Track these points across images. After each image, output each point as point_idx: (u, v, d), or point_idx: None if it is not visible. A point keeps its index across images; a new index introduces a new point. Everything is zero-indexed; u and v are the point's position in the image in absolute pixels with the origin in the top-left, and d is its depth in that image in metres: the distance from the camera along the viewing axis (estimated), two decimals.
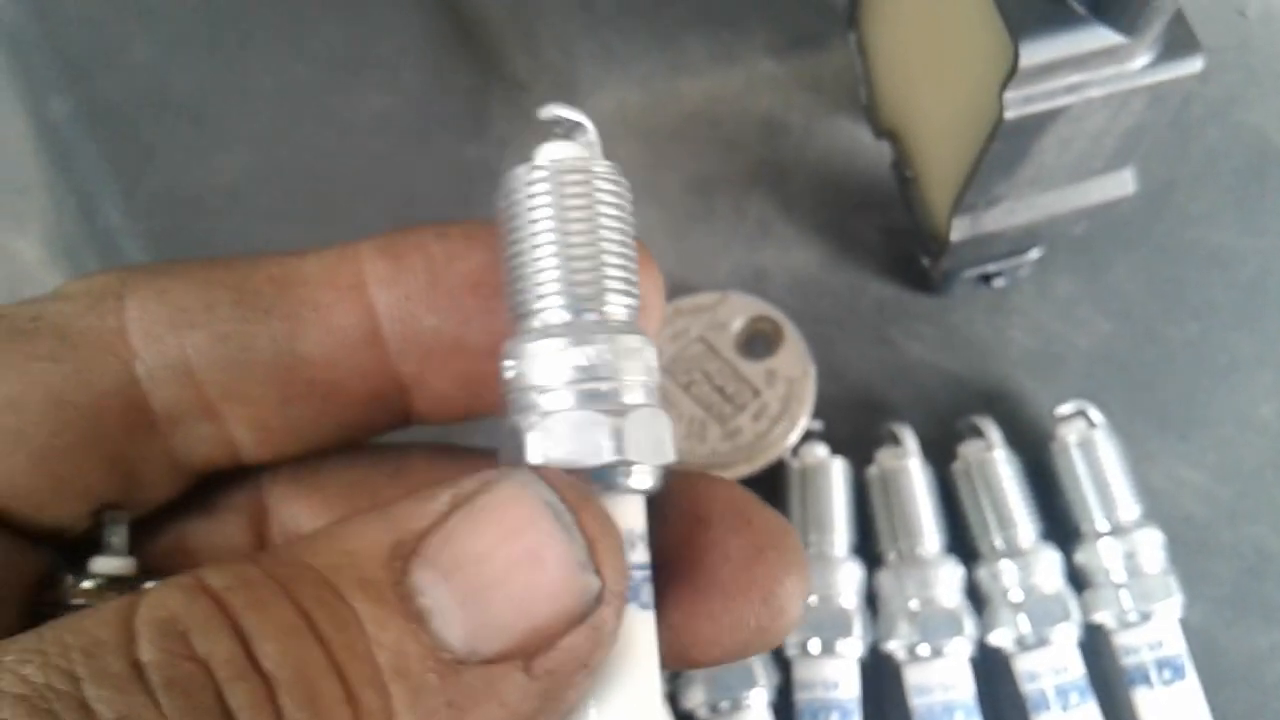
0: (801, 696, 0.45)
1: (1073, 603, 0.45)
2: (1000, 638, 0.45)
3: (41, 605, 0.24)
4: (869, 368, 0.52)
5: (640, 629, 0.23)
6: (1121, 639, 0.45)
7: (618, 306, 0.23)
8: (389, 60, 0.59)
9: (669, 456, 0.24)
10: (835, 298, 0.54)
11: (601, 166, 0.23)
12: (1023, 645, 0.45)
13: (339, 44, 0.59)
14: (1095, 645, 0.45)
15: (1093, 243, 0.53)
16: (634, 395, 0.23)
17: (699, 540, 0.25)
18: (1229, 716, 0.45)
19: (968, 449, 0.48)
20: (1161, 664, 0.44)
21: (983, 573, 0.46)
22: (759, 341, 0.52)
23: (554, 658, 0.20)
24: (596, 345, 0.22)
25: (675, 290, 0.52)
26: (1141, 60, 0.38)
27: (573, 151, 0.24)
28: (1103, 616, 0.45)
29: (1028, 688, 0.44)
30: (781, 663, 0.46)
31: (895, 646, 0.45)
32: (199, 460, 0.26)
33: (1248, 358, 0.52)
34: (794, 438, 0.49)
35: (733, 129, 0.57)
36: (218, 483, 0.27)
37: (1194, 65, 0.38)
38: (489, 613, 0.20)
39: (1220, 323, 0.52)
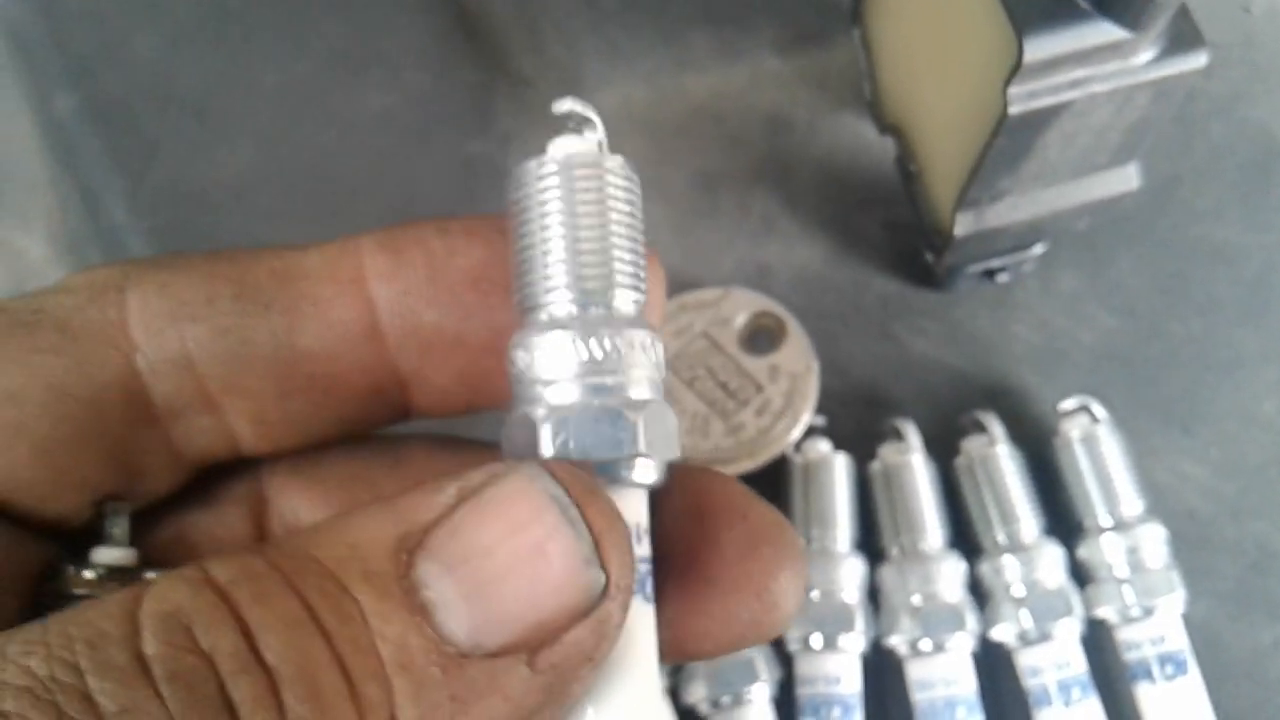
0: (803, 691, 0.45)
1: (1075, 598, 0.45)
2: (1002, 633, 0.45)
3: (44, 596, 0.25)
4: (872, 363, 0.52)
5: (641, 622, 0.23)
6: (1124, 634, 0.45)
7: (626, 301, 0.23)
8: (393, 57, 0.59)
9: (676, 452, 0.24)
10: (839, 293, 0.54)
11: (613, 161, 0.23)
12: (1025, 640, 0.45)
13: (342, 40, 0.59)
14: (1098, 640, 0.45)
15: (1097, 238, 0.53)
16: (642, 390, 0.23)
17: (694, 534, 0.25)
18: (1231, 712, 0.45)
19: (971, 444, 0.48)
20: (1164, 659, 0.44)
21: (985, 568, 0.46)
22: (762, 337, 0.52)
23: (558, 652, 0.20)
24: (605, 339, 0.22)
25: (679, 285, 0.52)
26: (1146, 55, 0.38)
27: (584, 146, 0.24)
28: (1105, 612, 0.45)
29: (1030, 683, 0.44)
30: (783, 657, 0.46)
31: (897, 641, 0.45)
32: (199, 452, 0.26)
33: (1252, 353, 0.52)
34: (797, 433, 0.49)
35: (737, 125, 0.57)
36: (218, 474, 0.28)
37: (1198, 60, 0.38)
38: (493, 606, 0.20)
39: (1224, 318, 0.52)
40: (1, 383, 0.23)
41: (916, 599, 0.45)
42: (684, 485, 0.25)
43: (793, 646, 0.45)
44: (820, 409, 0.50)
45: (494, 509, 0.20)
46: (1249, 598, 0.48)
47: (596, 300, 0.23)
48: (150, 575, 0.25)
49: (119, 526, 0.26)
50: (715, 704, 0.44)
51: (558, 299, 0.23)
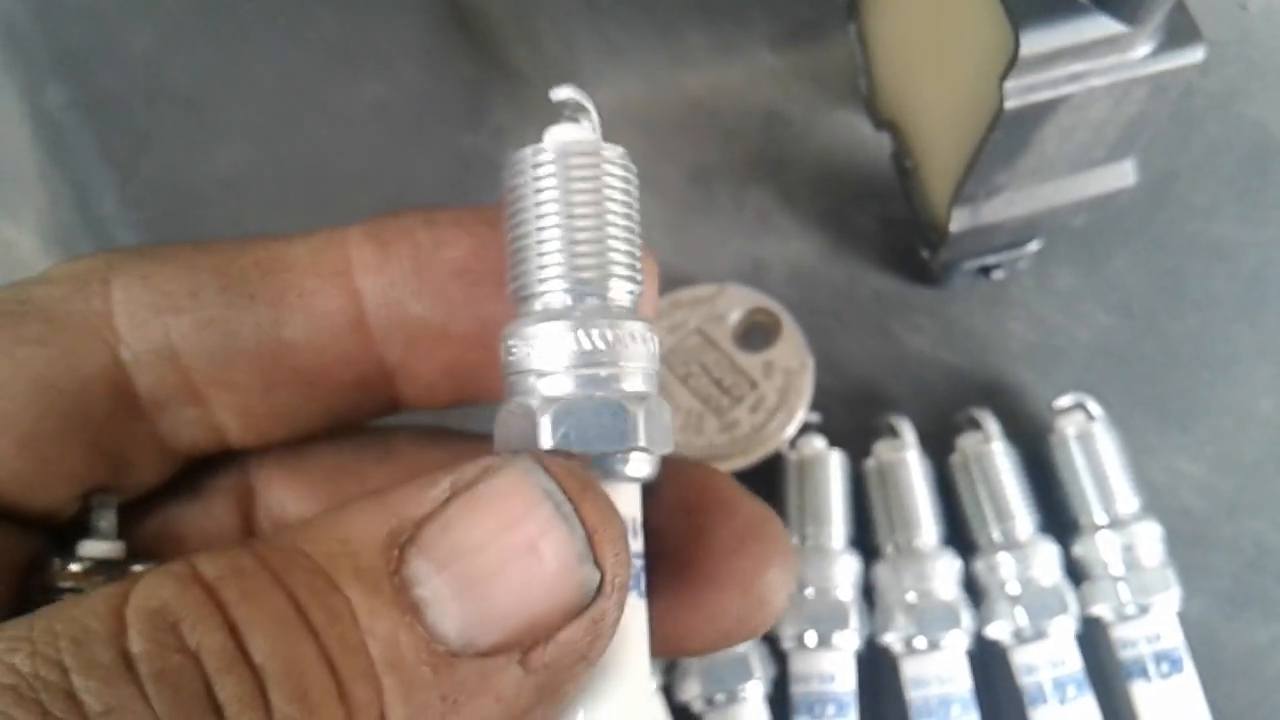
0: (797, 689, 0.45)
1: (1070, 596, 0.45)
2: (998, 630, 0.45)
3: (30, 589, 0.24)
4: (867, 360, 0.52)
5: (634, 618, 0.23)
6: (1119, 632, 0.44)
7: (622, 292, 0.23)
8: (387, 50, 0.59)
9: (671, 445, 0.23)
10: (834, 289, 0.53)
11: (611, 150, 0.23)
12: (1020, 638, 0.44)
13: (336, 34, 0.59)
14: (1093, 638, 0.45)
15: (1093, 235, 0.53)
16: (637, 382, 0.23)
17: (682, 529, 0.25)
18: (1227, 710, 0.44)
19: (966, 441, 0.47)
20: (1159, 657, 0.44)
21: (980, 565, 0.46)
22: (757, 333, 0.52)
23: (551, 651, 0.20)
24: (601, 330, 0.22)
25: (673, 281, 0.52)
26: (1143, 50, 0.38)
27: (581, 134, 0.23)
28: (1101, 609, 0.44)
29: (1025, 681, 0.44)
30: (778, 655, 0.46)
31: (892, 639, 0.45)
32: (185, 444, 0.26)
33: (1248, 350, 0.51)
34: (792, 430, 0.49)
35: (732, 120, 0.57)
36: (205, 466, 0.27)
37: (1195, 55, 0.38)
38: (485, 604, 0.20)
39: (1221, 315, 0.52)
40: None
41: (911, 596, 0.45)
42: (673, 479, 0.25)
43: (787, 644, 0.45)
44: (815, 406, 0.50)
45: (486, 504, 0.20)
46: (1245, 596, 0.48)
47: (592, 291, 0.23)
48: (137, 568, 0.25)
49: (106, 519, 0.25)
50: (709, 701, 0.44)
51: (553, 289, 0.23)
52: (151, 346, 0.24)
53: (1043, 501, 0.47)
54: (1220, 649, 0.47)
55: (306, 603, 0.19)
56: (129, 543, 0.25)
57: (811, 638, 0.45)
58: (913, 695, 0.44)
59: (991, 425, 0.47)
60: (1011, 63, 0.36)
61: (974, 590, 0.46)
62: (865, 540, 0.47)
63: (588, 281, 0.23)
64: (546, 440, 0.22)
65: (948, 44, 0.43)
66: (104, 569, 0.25)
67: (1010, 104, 0.37)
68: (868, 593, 0.47)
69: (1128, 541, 0.45)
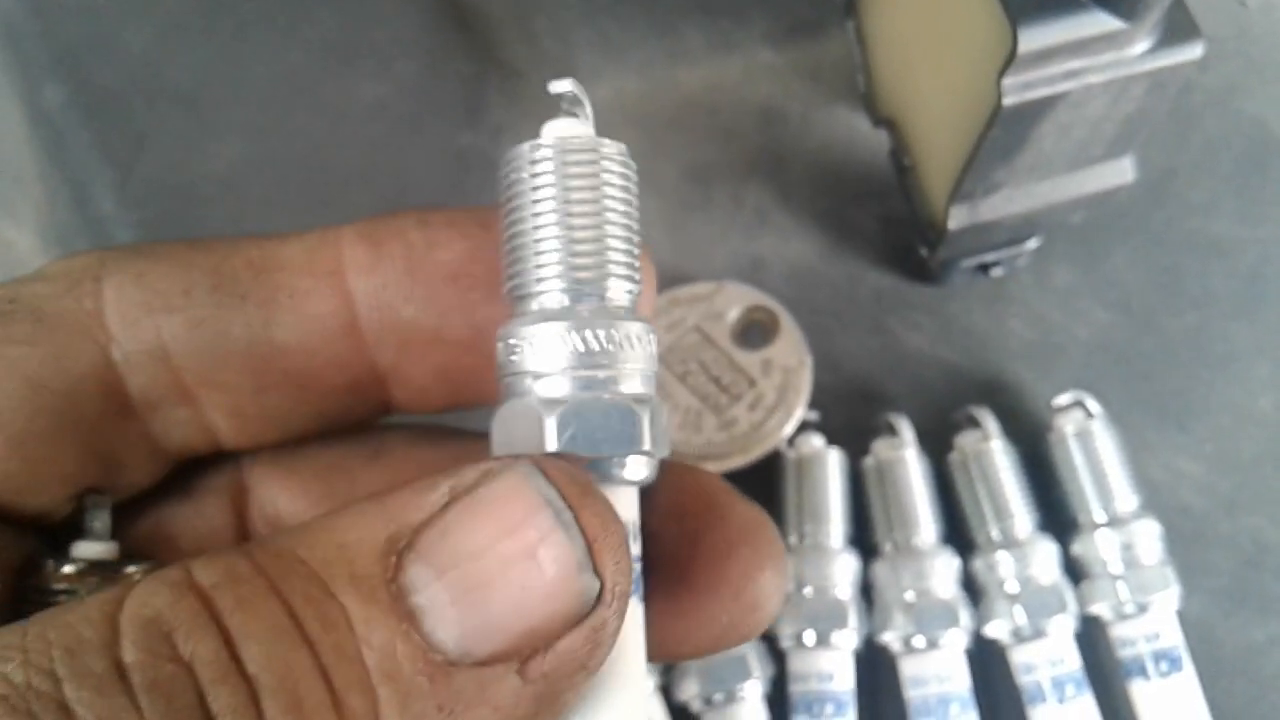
0: (796, 688, 0.45)
1: (1069, 594, 0.45)
2: (996, 629, 0.45)
3: (25, 590, 0.24)
4: (866, 358, 0.52)
5: (632, 622, 0.22)
6: (1118, 631, 0.44)
7: (620, 292, 0.23)
8: (384, 48, 0.59)
9: (668, 449, 0.23)
10: (832, 287, 0.53)
11: (610, 147, 0.23)
12: (1019, 637, 0.44)
13: (334, 32, 0.59)
14: (1092, 637, 0.45)
15: (1091, 232, 0.53)
16: (635, 384, 0.22)
17: (674, 533, 0.25)
18: (1226, 708, 0.44)
19: (965, 439, 0.47)
20: (1158, 656, 0.44)
21: (979, 564, 0.46)
22: (755, 331, 0.51)
23: (549, 660, 0.20)
24: (599, 331, 0.22)
25: (671, 279, 0.52)
26: (1141, 46, 0.38)
27: (580, 129, 0.23)
28: (1099, 608, 0.44)
29: (1024, 680, 0.44)
30: (776, 654, 0.46)
31: (891, 638, 0.45)
32: (177, 444, 0.26)
33: (1246, 348, 0.51)
34: (790, 428, 0.49)
35: (730, 118, 0.56)
36: (198, 466, 0.27)
37: (1194, 51, 0.38)
38: (483, 612, 0.19)
39: (1219, 313, 0.52)
40: None
41: (910, 595, 0.45)
42: (665, 482, 0.25)
43: (785, 643, 0.45)
44: (813, 404, 0.50)
45: (486, 509, 0.20)
46: (1244, 594, 0.48)
47: (591, 291, 0.22)
48: (131, 569, 0.25)
49: (100, 520, 0.25)
50: (708, 701, 0.44)
51: (550, 289, 0.22)
52: (143, 346, 0.24)
53: (1041, 500, 0.46)
54: (1219, 646, 0.47)
55: (302, 611, 0.19)
56: (122, 542, 0.25)
57: (810, 637, 0.44)
58: (911, 694, 0.44)
59: (990, 423, 0.47)
60: (1010, 59, 0.36)
61: (973, 589, 0.46)
62: (864, 539, 0.47)
63: (586, 281, 0.22)
64: (552, 442, 0.21)
65: (946, 41, 0.43)
66: (98, 570, 0.24)
67: (1008, 101, 0.37)
68: (866, 591, 0.47)
69: (1127, 540, 0.44)
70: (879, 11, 0.50)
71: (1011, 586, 0.45)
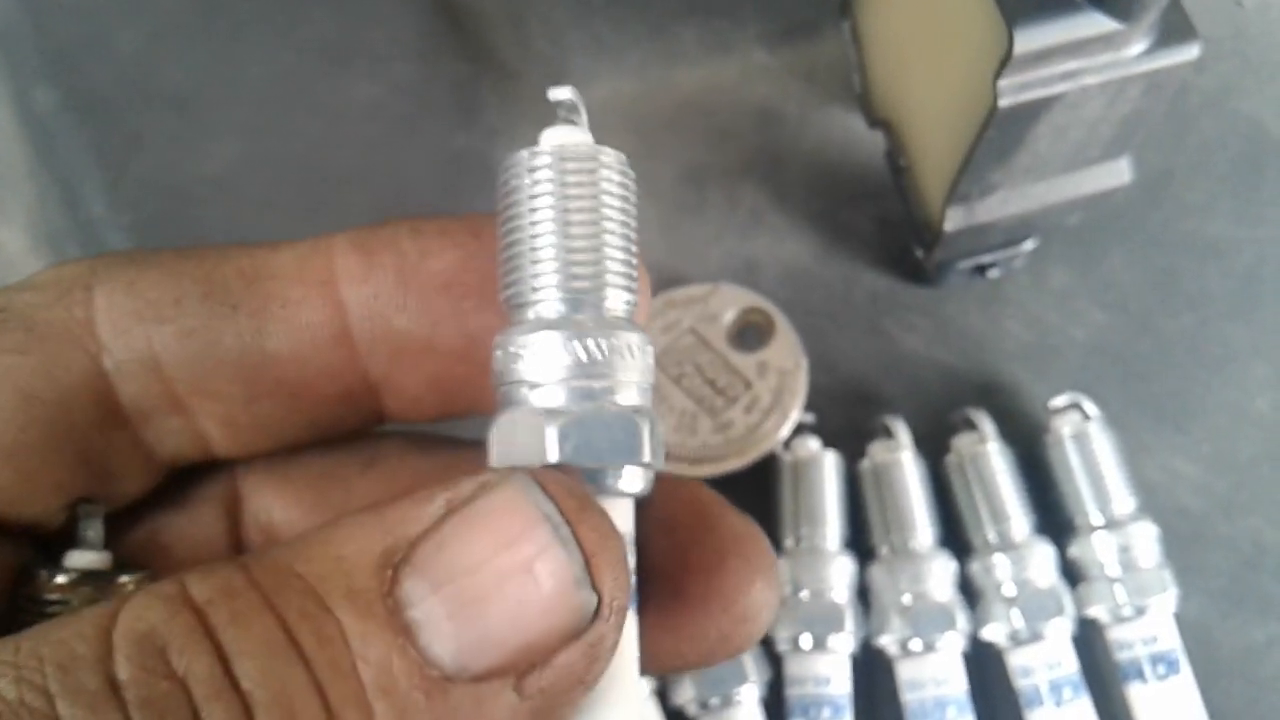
0: (793, 692, 0.45)
1: (1066, 597, 0.44)
2: (993, 632, 0.44)
3: (18, 600, 0.24)
4: (862, 360, 0.52)
5: (628, 634, 0.22)
6: (1115, 634, 0.44)
7: (618, 302, 0.22)
8: (378, 49, 0.58)
9: (663, 461, 0.23)
10: (828, 289, 0.53)
11: (609, 155, 0.22)
12: (1016, 640, 0.44)
13: (328, 33, 0.59)
14: (1089, 640, 0.45)
15: (1088, 233, 0.52)
16: (632, 395, 0.22)
17: (664, 545, 0.25)
18: (1224, 711, 0.44)
19: (961, 442, 0.47)
20: (1156, 659, 0.43)
21: (976, 567, 0.45)
22: (751, 333, 0.51)
23: (546, 676, 0.19)
24: (596, 341, 0.22)
25: (666, 281, 0.52)
26: (1138, 47, 0.37)
27: (578, 137, 0.23)
28: (1097, 611, 0.44)
29: (1021, 683, 0.44)
30: (772, 658, 0.45)
31: (887, 641, 0.45)
32: (170, 454, 0.26)
33: (1243, 349, 0.51)
34: (786, 431, 0.49)
35: (726, 119, 0.56)
36: (191, 474, 0.27)
37: (1190, 52, 0.38)
38: (479, 627, 0.19)
39: (1216, 313, 0.52)
40: None
41: (906, 598, 0.45)
42: (655, 494, 0.25)
43: (782, 647, 0.45)
44: (809, 406, 0.50)
45: (483, 522, 0.20)
46: (1242, 596, 0.48)
47: (588, 300, 0.22)
48: (124, 578, 0.25)
49: (93, 529, 0.25)
50: (704, 705, 0.44)
51: (547, 298, 0.22)
52: (134, 355, 0.24)
53: (1038, 502, 0.46)
54: (1217, 649, 0.47)
55: (297, 626, 0.18)
56: (116, 552, 0.25)
57: (806, 640, 0.44)
58: (908, 697, 0.44)
59: (987, 425, 0.47)
60: (1005, 60, 0.36)
61: (969, 592, 0.46)
62: (860, 542, 0.47)
63: (583, 291, 0.22)
64: (554, 453, 0.21)
65: (942, 42, 0.43)
66: (91, 579, 0.24)
67: (1004, 102, 0.37)
68: (863, 594, 0.46)
69: (1124, 542, 0.44)
70: (874, 12, 0.50)
71: (1008, 589, 0.44)
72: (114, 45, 0.58)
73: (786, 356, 0.50)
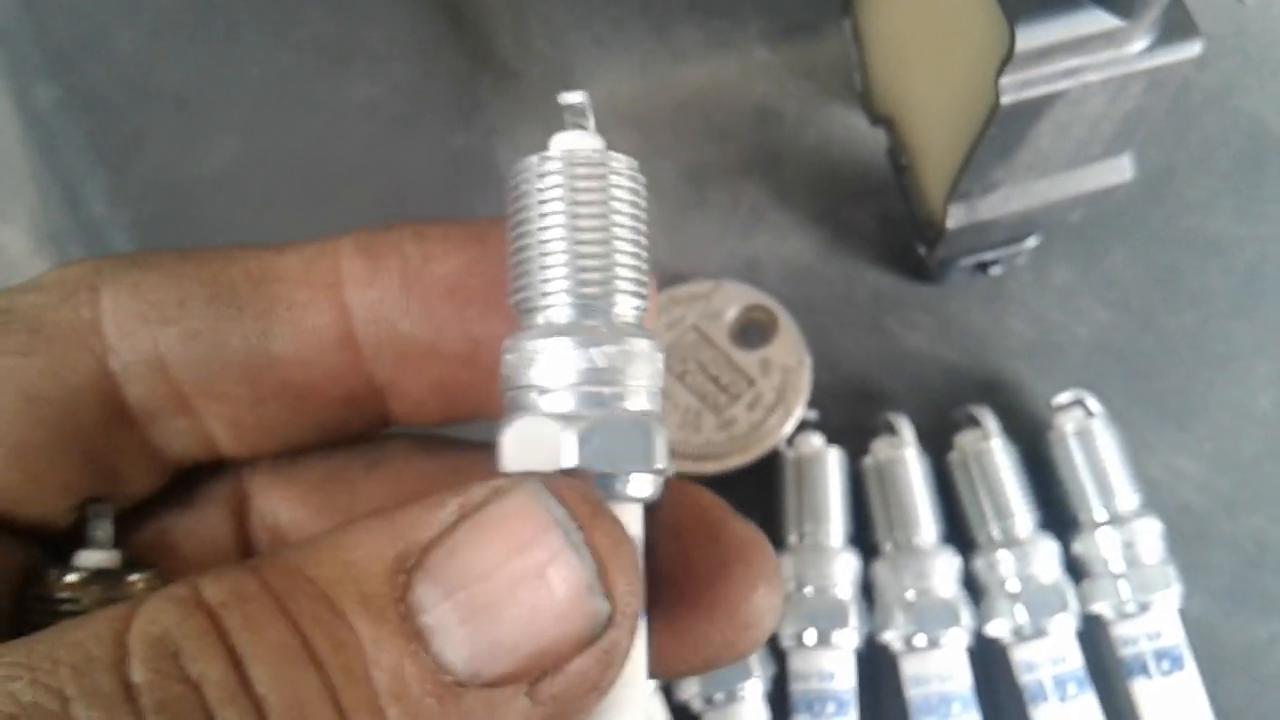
0: (797, 688, 0.45)
1: (1070, 593, 0.44)
2: (997, 628, 0.45)
3: (28, 600, 0.24)
4: (865, 357, 0.52)
5: (637, 639, 0.22)
6: (1120, 630, 0.44)
7: (628, 308, 0.22)
8: (378, 48, 0.58)
9: (673, 467, 0.23)
10: (830, 287, 0.53)
11: (619, 161, 0.22)
12: (1020, 636, 0.44)
13: (327, 32, 0.59)
14: (1093, 636, 0.45)
15: (1090, 231, 0.53)
16: (641, 401, 0.22)
17: (667, 550, 0.25)
18: (1227, 707, 0.44)
19: (964, 439, 0.47)
20: (1160, 655, 0.43)
21: (980, 563, 0.45)
22: (754, 330, 0.51)
23: (559, 682, 0.19)
24: (606, 347, 0.22)
25: (669, 279, 0.52)
26: (1139, 44, 0.37)
27: (589, 142, 0.23)
28: (1101, 607, 0.44)
29: (1025, 679, 0.44)
30: (777, 653, 0.46)
31: (892, 637, 0.45)
32: (177, 454, 0.26)
33: (1246, 347, 0.51)
34: (789, 428, 0.49)
35: (726, 117, 0.56)
36: (198, 474, 0.27)
37: (1192, 49, 0.38)
38: (493, 633, 0.19)
39: (1218, 311, 0.52)
40: None
41: (910, 594, 0.45)
42: (660, 499, 0.25)
43: (786, 643, 0.45)
44: (812, 403, 0.50)
45: (495, 527, 0.20)
46: (1245, 592, 0.48)
47: (598, 306, 0.22)
48: (133, 577, 0.25)
49: (102, 529, 0.25)
50: (708, 701, 0.44)
51: (557, 303, 0.22)
52: (140, 357, 0.24)
53: (1042, 499, 0.46)
54: (1221, 646, 0.47)
55: (310, 631, 0.18)
56: (124, 551, 0.25)
57: (811, 636, 0.44)
58: (912, 693, 0.44)
59: (990, 422, 0.47)
60: (1007, 58, 0.36)
61: (974, 588, 0.46)
62: (864, 538, 0.47)
63: (594, 297, 0.22)
64: (570, 458, 0.21)
65: (943, 39, 0.43)
66: (100, 578, 0.24)
67: (1006, 99, 0.37)
68: (867, 591, 0.46)
69: (1128, 538, 0.44)
70: (876, 10, 0.50)
71: (1013, 585, 0.45)
72: (114, 44, 0.58)
73: (790, 353, 0.50)
